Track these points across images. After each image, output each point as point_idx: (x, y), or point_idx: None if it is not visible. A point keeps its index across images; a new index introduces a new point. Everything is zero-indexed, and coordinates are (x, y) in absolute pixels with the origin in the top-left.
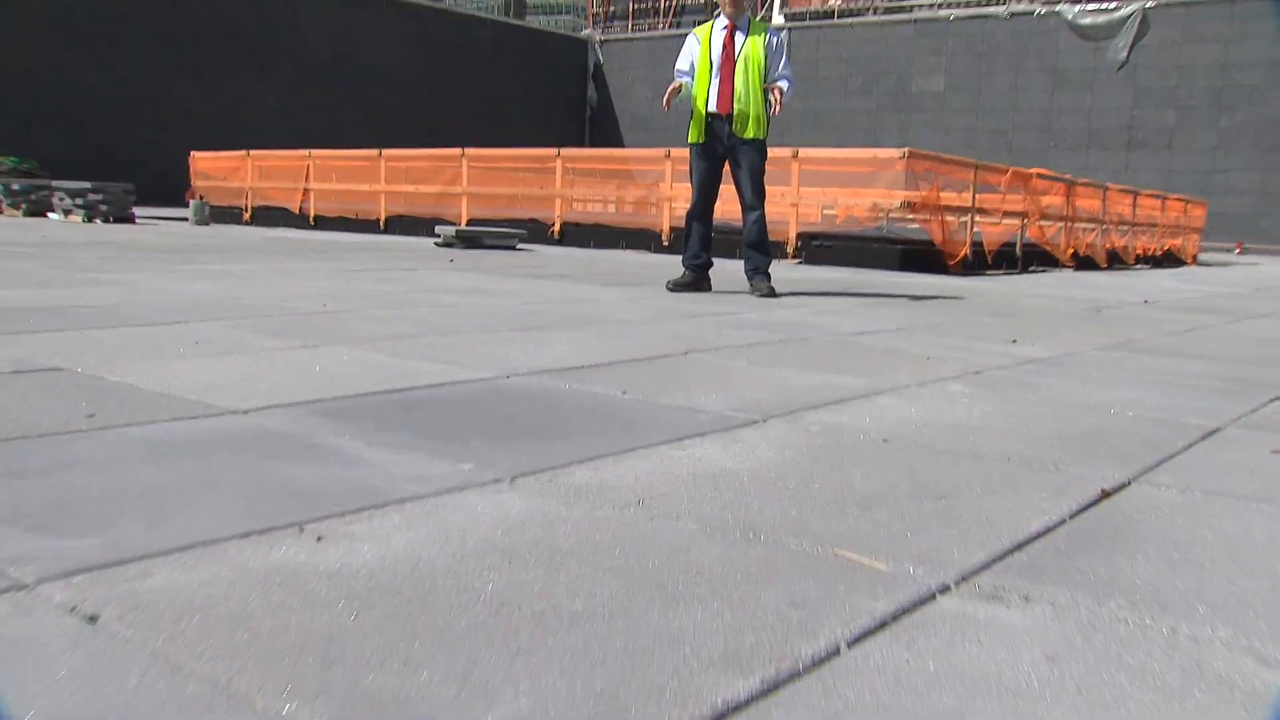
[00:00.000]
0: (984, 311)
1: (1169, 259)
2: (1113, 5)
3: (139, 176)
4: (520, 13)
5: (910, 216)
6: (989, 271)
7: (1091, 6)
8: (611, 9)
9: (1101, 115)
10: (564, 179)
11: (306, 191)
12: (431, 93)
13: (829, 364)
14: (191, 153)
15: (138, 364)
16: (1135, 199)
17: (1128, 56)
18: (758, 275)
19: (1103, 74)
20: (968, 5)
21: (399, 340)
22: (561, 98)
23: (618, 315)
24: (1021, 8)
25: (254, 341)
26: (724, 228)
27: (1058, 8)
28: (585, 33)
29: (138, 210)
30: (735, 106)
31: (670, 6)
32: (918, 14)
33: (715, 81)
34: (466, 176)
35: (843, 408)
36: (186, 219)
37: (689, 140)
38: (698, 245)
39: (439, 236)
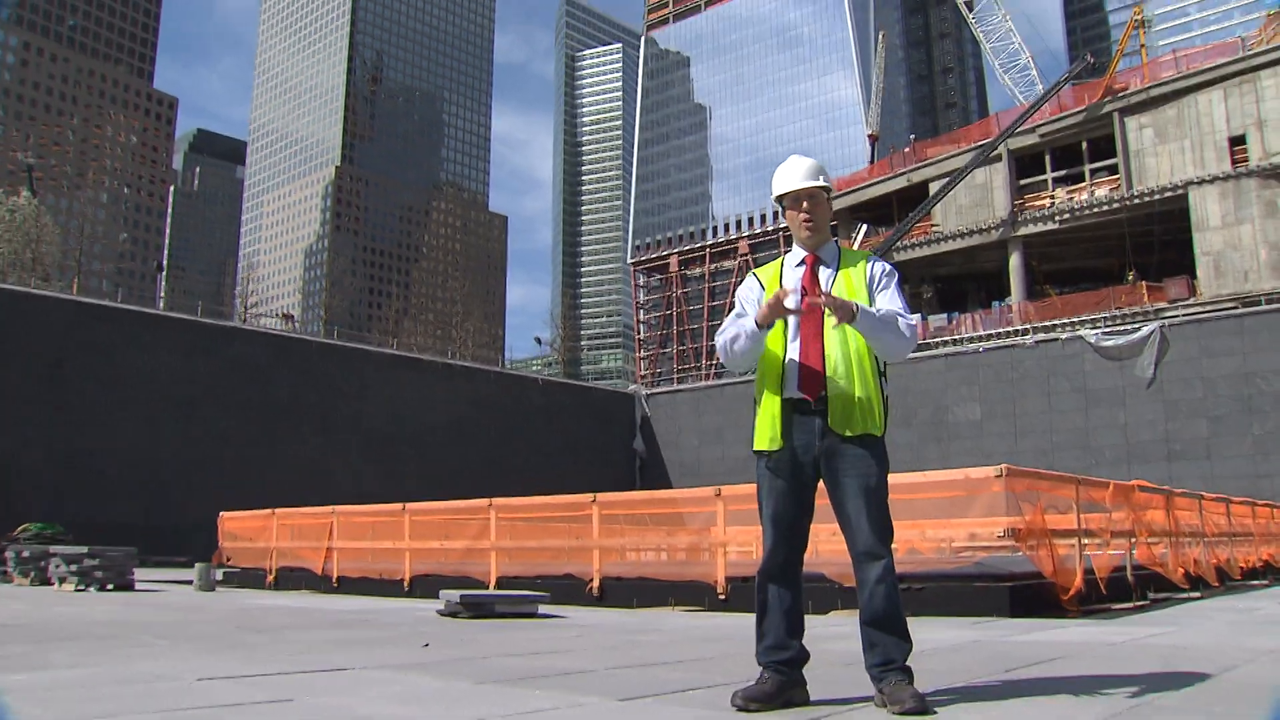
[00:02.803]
0: None
1: (1269, 570)
2: (1132, 327)
3: (205, 538)
4: (572, 372)
5: (1015, 545)
6: (1112, 606)
7: (1111, 329)
8: (658, 370)
9: (1137, 429)
10: (602, 528)
11: (330, 551)
12: (487, 447)
13: None
14: (220, 514)
15: None
16: (1228, 507)
17: (1155, 373)
18: (892, 674)
19: (1132, 390)
20: (992, 338)
21: None
22: (612, 448)
23: None
24: (1044, 336)
25: None
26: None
27: (1079, 333)
28: (632, 388)
29: (173, 574)
30: (829, 387)
31: (712, 364)
32: (946, 350)
33: (794, 347)
34: (495, 529)
35: None
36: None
37: (754, 447)
38: (782, 629)
39: (442, 603)
